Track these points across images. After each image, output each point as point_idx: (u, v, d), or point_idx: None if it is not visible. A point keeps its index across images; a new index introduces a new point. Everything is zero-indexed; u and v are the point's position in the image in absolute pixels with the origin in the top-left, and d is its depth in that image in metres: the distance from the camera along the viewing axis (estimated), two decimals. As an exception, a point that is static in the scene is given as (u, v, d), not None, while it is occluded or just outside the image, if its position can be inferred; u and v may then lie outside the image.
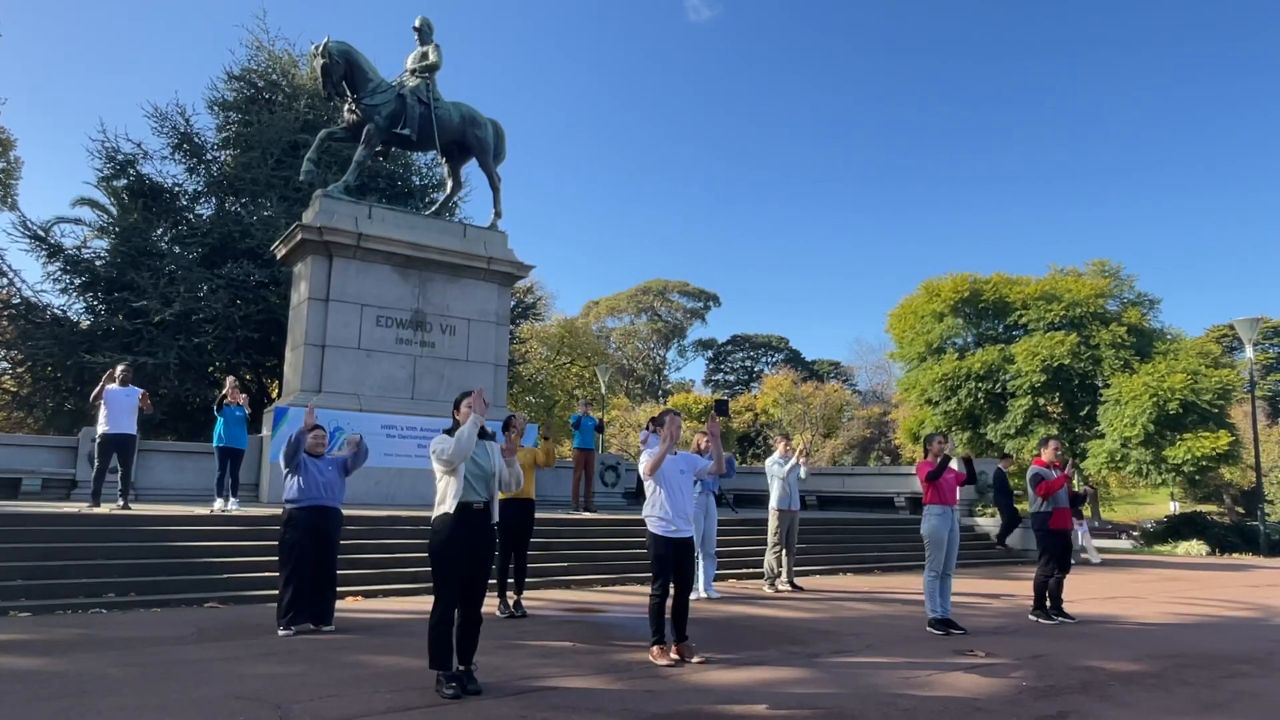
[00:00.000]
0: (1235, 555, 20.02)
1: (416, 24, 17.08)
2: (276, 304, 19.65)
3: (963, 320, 27.84)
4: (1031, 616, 8.65)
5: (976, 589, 11.16)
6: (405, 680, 5.31)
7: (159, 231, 22.39)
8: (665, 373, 67.81)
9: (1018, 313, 26.56)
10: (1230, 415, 24.21)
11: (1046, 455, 8.89)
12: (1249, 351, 22.32)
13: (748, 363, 68.95)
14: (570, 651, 6.49)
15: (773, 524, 10.82)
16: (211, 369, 21.43)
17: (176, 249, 21.69)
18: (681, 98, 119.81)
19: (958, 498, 8.30)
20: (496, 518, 5.42)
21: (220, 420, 11.57)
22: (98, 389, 11.00)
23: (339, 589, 7.69)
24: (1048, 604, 8.65)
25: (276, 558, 7.45)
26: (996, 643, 7.25)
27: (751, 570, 11.70)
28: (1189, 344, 25.42)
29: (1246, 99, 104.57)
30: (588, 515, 13.73)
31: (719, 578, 10.75)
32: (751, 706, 4.94)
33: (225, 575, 8.85)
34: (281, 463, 7.33)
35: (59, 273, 21.16)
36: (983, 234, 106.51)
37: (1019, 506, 16.46)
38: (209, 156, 23.59)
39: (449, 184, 18.99)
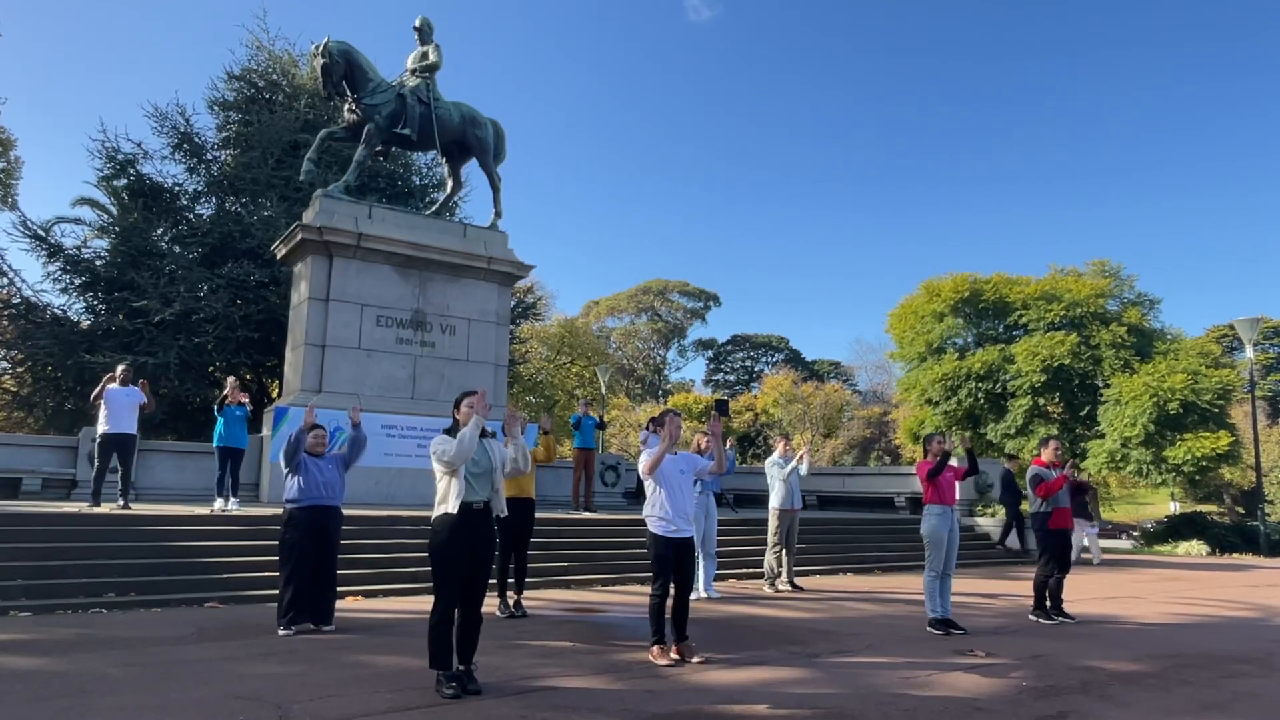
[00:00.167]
0: (1235, 555, 20.03)
1: (416, 24, 17.09)
2: (277, 304, 19.65)
3: (963, 320, 27.85)
4: (1031, 616, 8.65)
5: (976, 589, 11.16)
6: (405, 680, 5.32)
7: (159, 231, 22.39)
8: (665, 373, 67.84)
9: (1018, 313, 26.56)
10: (1230, 415, 24.22)
11: (1046, 455, 8.89)
12: (1249, 351, 22.32)
13: (748, 363, 68.94)
14: (570, 651, 6.49)
15: (773, 524, 10.82)
16: (212, 369, 21.43)
17: (177, 249, 21.69)
18: (681, 98, 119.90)
19: (957, 497, 8.31)
20: (505, 511, 5.42)
21: (220, 420, 11.57)
22: (98, 389, 11.00)
23: (339, 589, 7.69)
24: (1048, 604, 8.65)
25: (276, 557, 7.46)
26: (996, 643, 7.25)
27: (752, 570, 11.70)
28: (1189, 344, 25.42)
29: (1246, 99, 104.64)
30: (588, 515, 13.74)
31: (719, 578, 10.75)
32: (751, 706, 4.94)
33: (225, 575, 8.85)
34: (282, 462, 7.33)
35: (59, 272, 21.18)
36: (983, 234, 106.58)
37: (1019, 506, 16.48)
38: (209, 156, 23.60)
39: (449, 184, 18.99)
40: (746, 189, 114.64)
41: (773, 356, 67.22)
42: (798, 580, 11.01)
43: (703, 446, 8.63)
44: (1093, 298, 25.53)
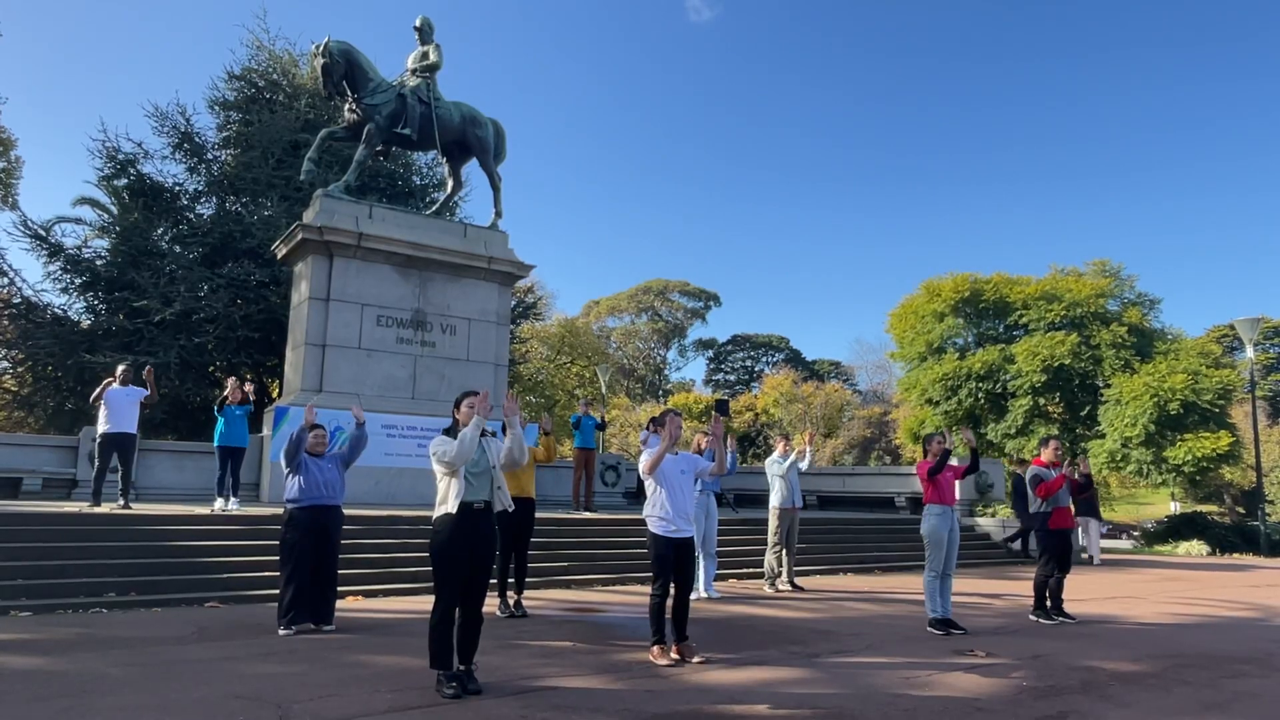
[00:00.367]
0: (1236, 555, 20.02)
1: (417, 24, 17.09)
2: (277, 304, 19.66)
3: (963, 320, 27.84)
4: (1032, 616, 8.65)
5: (977, 589, 11.15)
6: (406, 680, 5.32)
7: (159, 231, 22.39)
8: (666, 372, 67.83)
9: (1018, 313, 26.56)
10: (1231, 415, 24.21)
11: (1046, 455, 8.88)
12: (1249, 351, 22.31)
13: (748, 362, 68.91)
14: (570, 651, 6.49)
15: (773, 523, 10.81)
16: (212, 368, 21.44)
17: (177, 248, 21.69)
18: (681, 98, 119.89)
19: (958, 497, 8.30)
20: (510, 505, 5.41)
21: (221, 419, 11.57)
22: (98, 391, 11.00)
23: (339, 589, 7.69)
24: (1048, 604, 8.65)
25: (277, 557, 7.46)
26: (997, 643, 7.25)
27: (752, 570, 11.70)
28: (1189, 344, 25.42)
29: (1246, 99, 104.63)
30: (588, 515, 13.74)
31: (719, 577, 10.75)
32: (752, 706, 4.94)
33: (226, 575, 8.85)
34: (282, 462, 7.33)
35: (59, 272, 21.17)
36: (983, 234, 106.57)
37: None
38: (209, 156, 23.60)
39: (449, 184, 18.99)
40: (746, 189, 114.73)
41: (773, 356, 67.19)
42: (798, 580, 11.00)
43: (703, 446, 8.64)
44: (1093, 298, 25.52)
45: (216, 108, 24.01)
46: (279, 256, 16.60)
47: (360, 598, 8.78)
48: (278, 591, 7.30)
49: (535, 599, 9.03)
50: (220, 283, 20.11)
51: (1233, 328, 33.09)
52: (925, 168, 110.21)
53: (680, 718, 4.70)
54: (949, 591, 8.01)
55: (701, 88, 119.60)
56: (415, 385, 15.45)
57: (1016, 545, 15.87)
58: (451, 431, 5.31)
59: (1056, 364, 23.97)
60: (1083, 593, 10.75)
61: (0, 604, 7.46)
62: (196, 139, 23.20)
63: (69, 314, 21.24)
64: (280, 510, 7.80)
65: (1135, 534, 33.51)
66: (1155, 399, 22.07)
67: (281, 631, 6.89)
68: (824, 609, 9.22)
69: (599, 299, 65.49)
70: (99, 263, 21.34)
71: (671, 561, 6.19)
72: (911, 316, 28.29)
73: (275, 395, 20.17)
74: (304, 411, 7.61)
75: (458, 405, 5.38)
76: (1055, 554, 8.68)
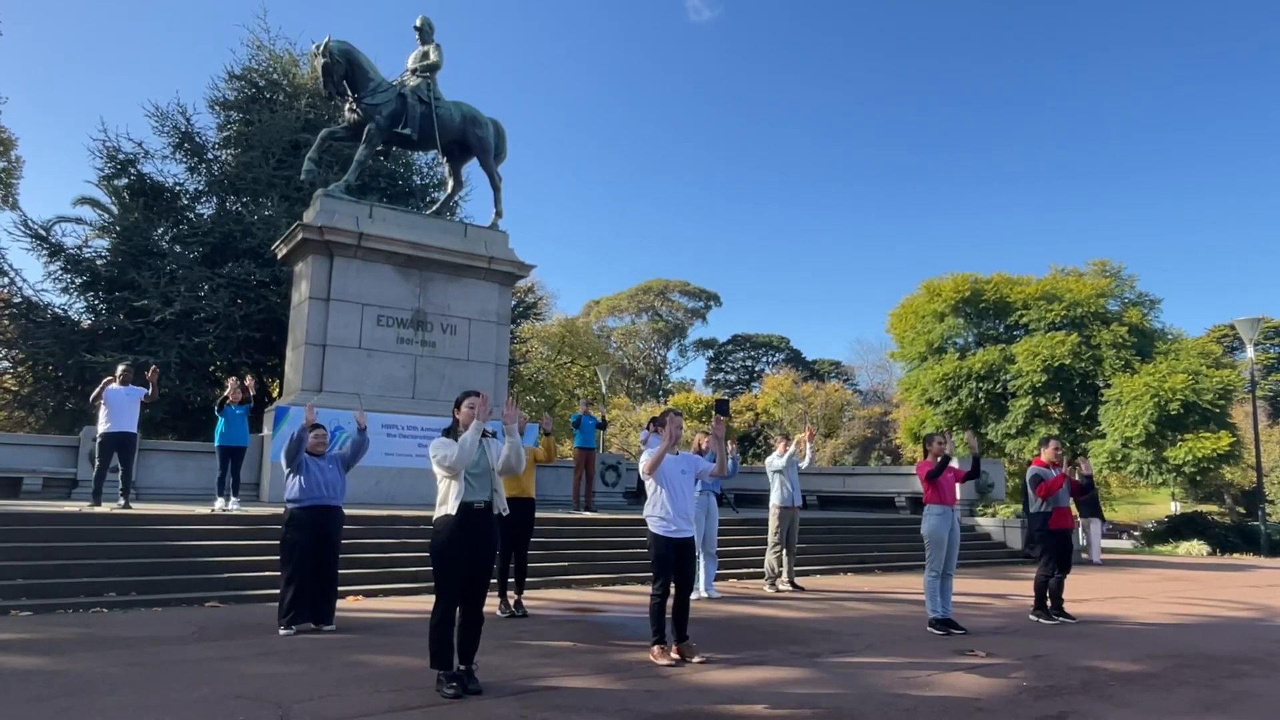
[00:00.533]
0: (1236, 555, 20.03)
1: (417, 23, 17.10)
2: (277, 303, 19.66)
3: (963, 320, 27.82)
4: (1032, 616, 8.65)
5: (977, 589, 11.15)
6: (406, 680, 5.32)
7: (160, 231, 22.40)
8: (666, 372, 67.82)
9: (1019, 313, 26.54)
10: (1231, 415, 24.18)
11: (1046, 455, 8.88)
12: (1250, 351, 22.32)
13: (748, 362, 68.92)
14: (571, 651, 6.49)
15: (773, 523, 10.81)
16: (213, 368, 21.44)
17: (177, 248, 21.70)
18: (681, 98, 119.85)
19: (958, 497, 8.30)
20: (505, 509, 5.41)
21: (221, 419, 11.57)
22: (97, 390, 10.99)
23: (340, 588, 7.70)
24: (1048, 604, 8.65)
25: (277, 557, 7.46)
26: (997, 643, 7.25)
27: (752, 570, 11.70)
28: (1190, 344, 25.39)
29: (1246, 99, 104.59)
30: (588, 515, 13.74)
31: (719, 577, 10.75)
32: (752, 706, 4.94)
33: (226, 575, 8.86)
34: (283, 462, 7.34)
35: (60, 272, 21.18)
36: (983, 234, 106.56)
37: (1020, 506, 16.45)
38: (210, 156, 23.60)
39: (450, 183, 18.99)
40: (746, 189, 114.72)
41: (773, 356, 67.20)
42: (798, 580, 11.00)
43: (704, 446, 8.64)
44: (1093, 298, 25.51)
45: (217, 107, 24.03)
46: (279, 256, 16.60)
47: (361, 598, 8.78)
48: (278, 591, 7.31)
49: (535, 599, 9.04)
50: (220, 282, 20.11)
51: (1233, 328, 33.10)
52: (925, 168, 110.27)
53: (680, 718, 4.70)
54: (949, 591, 8.01)
55: (701, 88, 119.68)
56: (415, 385, 15.45)
57: (1013, 543, 15.86)
58: (451, 431, 5.31)
59: (1057, 364, 23.95)
60: (1083, 593, 10.76)
61: (0, 604, 7.46)
62: (197, 139, 23.21)
63: (69, 314, 21.26)
64: (280, 510, 7.80)
65: (1135, 534, 33.50)
66: (1156, 399, 22.06)
67: (282, 631, 6.89)
68: (824, 609, 9.22)
69: (599, 299, 65.55)
70: (99, 262, 21.35)
71: (672, 561, 6.19)
72: (912, 316, 28.28)
73: (275, 395, 20.18)
74: (304, 412, 7.62)
75: (458, 405, 5.37)
76: (1055, 554, 8.68)
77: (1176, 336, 26.20)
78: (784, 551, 10.79)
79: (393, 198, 23.04)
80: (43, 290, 21.68)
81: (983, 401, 25.98)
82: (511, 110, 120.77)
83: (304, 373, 14.61)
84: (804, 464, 11.00)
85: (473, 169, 19.26)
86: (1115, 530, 35.90)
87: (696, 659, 6.09)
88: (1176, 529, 23.64)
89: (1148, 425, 22.17)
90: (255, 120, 22.97)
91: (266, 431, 14.59)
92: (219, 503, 11.29)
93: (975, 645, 7.04)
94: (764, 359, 67.93)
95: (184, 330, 19.56)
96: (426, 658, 5.12)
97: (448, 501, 5.14)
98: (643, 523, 6.52)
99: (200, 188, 23.63)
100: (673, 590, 6.22)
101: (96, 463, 11.01)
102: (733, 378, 68.18)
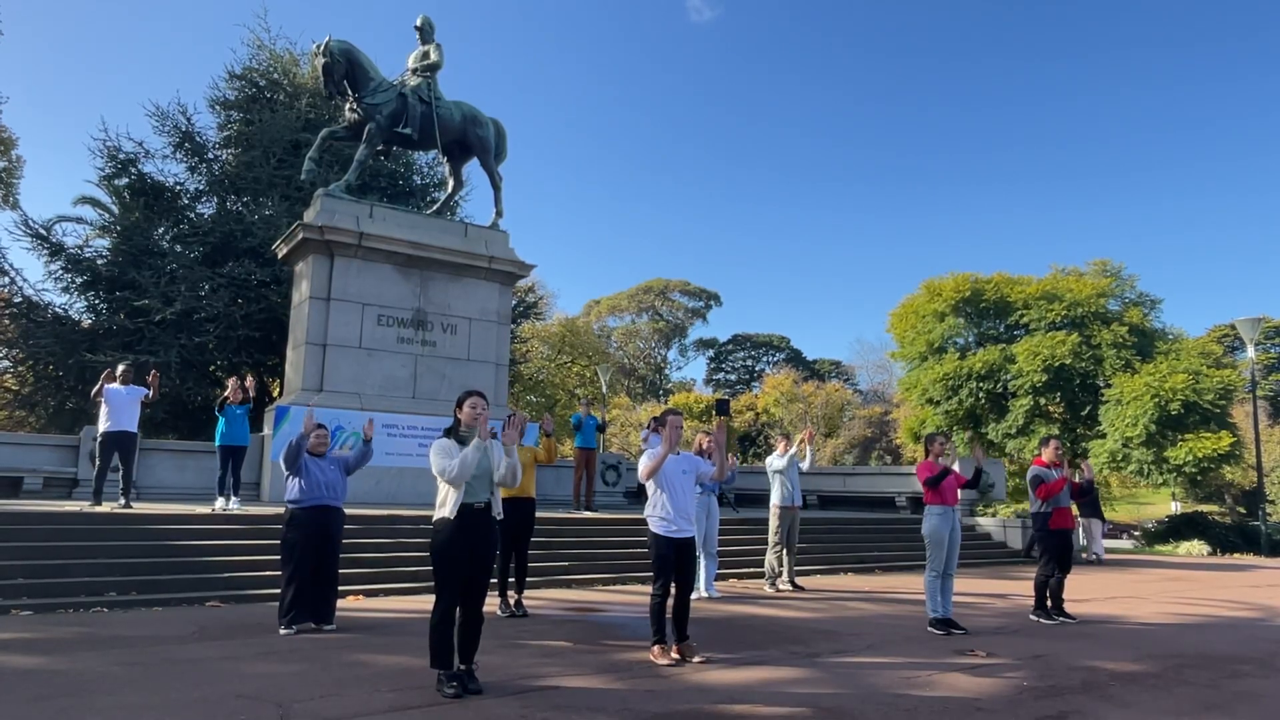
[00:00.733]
0: (1236, 555, 20.02)
1: (418, 23, 17.10)
2: (278, 303, 19.67)
3: (964, 320, 27.82)
4: (1032, 616, 8.65)
5: (977, 589, 11.15)
6: (406, 679, 5.32)
7: (160, 230, 22.41)
8: (666, 372, 67.81)
9: (1019, 312, 26.53)
10: (1232, 415, 24.18)
11: (1047, 455, 8.87)
12: (1250, 351, 22.30)
13: (749, 362, 68.91)
14: (571, 651, 6.49)
15: (774, 523, 10.81)
16: (213, 368, 21.45)
17: (178, 248, 21.71)
18: (681, 97, 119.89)
19: (959, 498, 8.30)
20: (501, 514, 5.40)
21: (222, 419, 11.57)
22: (98, 386, 10.99)
23: (340, 588, 7.70)
24: (1048, 604, 8.65)
25: (278, 557, 7.46)
26: (997, 643, 7.25)
27: (752, 570, 11.70)
28: (1190, 344, 25.39)
29: (1246, 99, 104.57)
30: (589, 515, 13.74)
31: (720, 577, 10.75)
32: (752, 706, 4.94)
33: (226, 574, 8.86)
34: (282, 465, 7.33)
35: (60, 271, 21.20)
36: (983, 234, 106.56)
37: (1020, 506, 16.45)
38: (210, 155, 23.61)
39: (450, 183, 19.00)
40: (746, 189, 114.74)
41: (774, 356, 67.20)
42: (798, 580, 11.00)
43: (704, 445, 8.64)
44: (1094, 297, 25.50)
45: (217, 107, 24.03)
46: (280, 256, 16.60)
47: (361, 597, 8.78)
48: (278, 591, 7.31)
49: (536, 598, 9.03)
50: (221, 282, 20.12)
51: (1234, 327, 33.08)
52: (925, 168, 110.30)
53: (680, 717, 4.70)
54: (950, 591, 8.01)
55: (701, 88, 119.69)
56: (416, 385, 15.45)
57: (1013, 543, 15.86)
58: (452, 431, 5.31)
59: (1057, 364, 23.95)
60: (1083, 593, 10.75)
61: (1, 603, 7.47)
62: (197, 138, 23.22)
63: (70, 313, 21.28)
64: (281, 510, 7.80)
65: (1136, 534, 33.49)
66: (1156, 399, 22.06)
67: (282, 631, 6.89)
68: (825, 609, 9.22)
69: (599, 299, 65.55)
70: (100, 262, 21.36)
71: (672, 561, 6.18)
72: (912, 316, 28.27)
73: (276, 394, 20.19)
74: (305, 411, 7.60)
75: (460, 404, 5.37)
76: (1055, 554, 8.68)
77: (1177, 336, 26.20)
78: (784, 551, 10.79)
79: (393, 197, 23.05)
80: (43, 290, 21.77)
81: (983, 401, 25.97)
82: (511, 110, 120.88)
83: (304, 372, 14.61)
84: (805, 465, 10.99)
85: (473, 169, 19.27)
86: (1115, 530, 35.90)
87: (697, 659, 6.09)
88: (1177, 529, 23.63)
89: (1148, 425, 22.16)
90: (256, 120, 22.97)
91: (267, 431, 14.60)
92: (219, 502, 11.29)
93: (975, 645, 7.04)
94: (764, 359, 67.94)
95: (184, 330, 19.57)
96: (427, 657, 5.12)
97: (448, 504, 5.14)
98: (643, 522, 6.52)
99: (201, 187, 23.65)
100: (673, 590, 6.22)
101: (97, 462, 11.01)
102: (733, 377, 68.19)
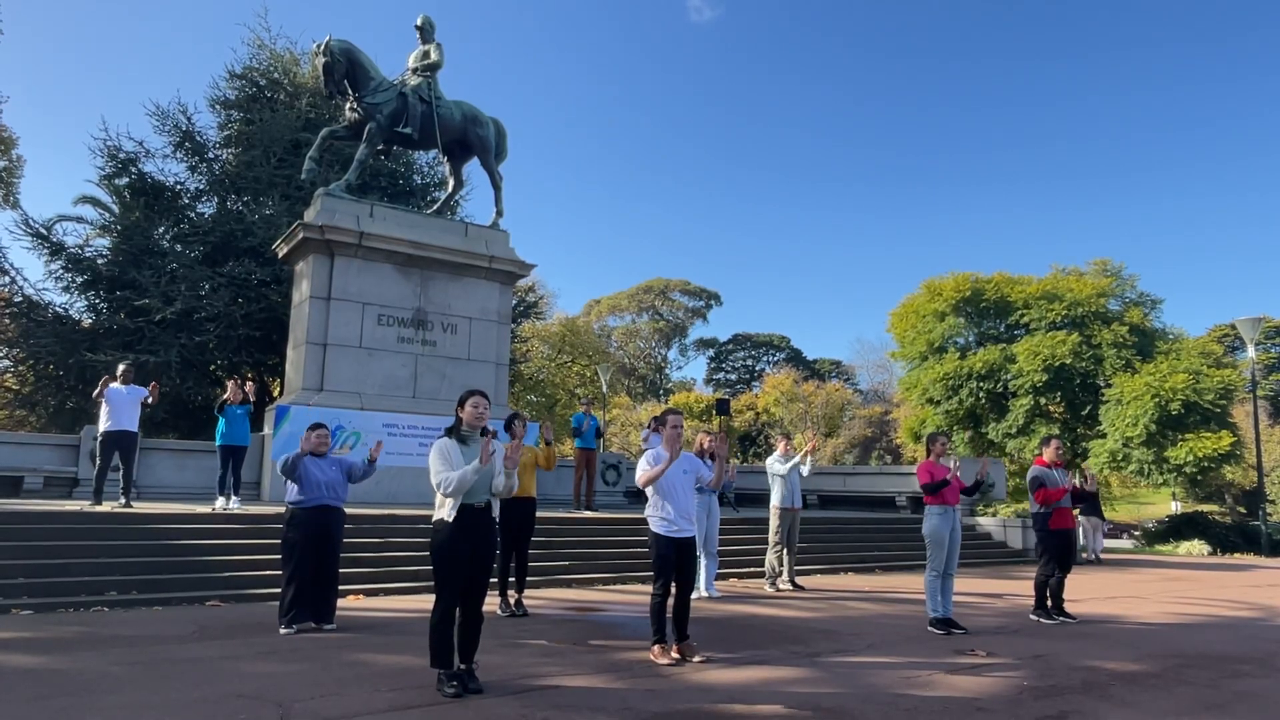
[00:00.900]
0: (1237, 555, 20.02)
1: (418, 23, 17.09)
2: (278, 302, 19.67)
3: (964, 319, 27.82)
4: (1032, 616, 8.65)
5: (977, 589, 11.15)
6: (406, 679, 5.32)
7: (161, 230, 22.41)
8: (667, 372, 67.81)
9: (1019, 312, 26.53)
10: (1232, 415, 24.18)
11: (1048, 455, 8.87)
12: (1251, 351, 22.30)
13: (749, 362, 68.91)
14: (571, 650, 6.49)
15: (774, 523, 10.80)
16: (213, 367, 21.46)
17: (178, 247, 21.71)
18: (681, 97, 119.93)
19: (959, 498, 8.30)
20: (496, 516, 5.40)
21: (222, 419, 11.57)
22: (98, 389, 10.99)
23: (340, 587, 7.70)
24: (1049, 604, 8.64)
25: (278, 556, 7.45)
26: (997, 642, 7.25)
27: (753, 569, 11.70)
28: (1191, 344, 25.39)
29: (1246, 99, 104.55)
30: (589, 514, 13.74)
31: (720, 577, 10.75)
32: (752, 706, 4.94)
33: (227, 574, 8.86)
34: (280, 471, 7.32)
35: (61, 271, 21.21)
36: (984, 234, 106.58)
37: (1021, 506, 16.45)
38: (211, 155, 23.61)
39: (450, 183, 18.99)
40: (746, 189, 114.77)
41: (774, 356, 67.21)
42: (799, 579, 11.00)
43: (705, 445, 8.63)
44: (1094, 297, 25.50)
45: (218, 106, 24.03)
46: (280, 255, 16.60)
47: (361, 596, 8.78)
48: (279, 590, 7.31)
49: (536, 598, 9.03)
50: (221, 281, 20.12)
51: (1234, 327, 33.06)
52: (925, 168, 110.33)
53: (681, 717, 4.70)
54: (950, 591, 8.01)
55: (701, 87, 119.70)
56: (416, 384, 15.45)
57: (1013, 542, 15.85)
58: (454, 430, 5.31)
59: (1058, 363, 23.95)
60: (1083, 593, 10.75)
61: (1, 602, 7.47)
62: (198, 138, 23.22)
63: (70, 313, 21.28)
64: (281, 509, 7.80)
65: (1136, 534, 33.48)
66: (1156, 399, 22.05)
67: (282, 630, 6.89)
68: (825, 608, 9.21)
69: (600, 298, 65.56)
70: (100, 261, 21.37)
71: (673, 561, 6.18)
72: (912, 316, 28.27)
73: (276, 394, 20.19)
74: (305, 411, 7.61)
75: (461, 404, 5.36)
76: (1055, 554, 8.68)
77: (1177, 336, 26.19)
78: (784, 551, 10.78)
79: (393, 197, 23.04)
80: (44, 289, 21.80)
81: (983, 401, 25.97)
82: (512, 110, 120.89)
83: (305, 372, 14.61)
84: (805, 470, 10.96)
85: (473, 168, 19.26)
86: (1115, 530, 35.88)
87: (697, 658, 6.09)
88: (1177, 529, 23.62)
89: (1148, 425, 22.16)
90: (256, 119, 22.97)
91: (267, 431, 14.59)
92: (220, 502, 11.29)
93: (976, 645, 7.04)
94: (764, 358, 67.94)
95: (185, 329, 19.57)
96: (427, 657, 5.12)
97: (447, 503, 5.14)
98: (643, 522, 6.52)
99: (201, 187, 23.65)
100: (674, 590, 6.22)
101: (97, 462, 11.02)
102: (733, 377, 68.19)
